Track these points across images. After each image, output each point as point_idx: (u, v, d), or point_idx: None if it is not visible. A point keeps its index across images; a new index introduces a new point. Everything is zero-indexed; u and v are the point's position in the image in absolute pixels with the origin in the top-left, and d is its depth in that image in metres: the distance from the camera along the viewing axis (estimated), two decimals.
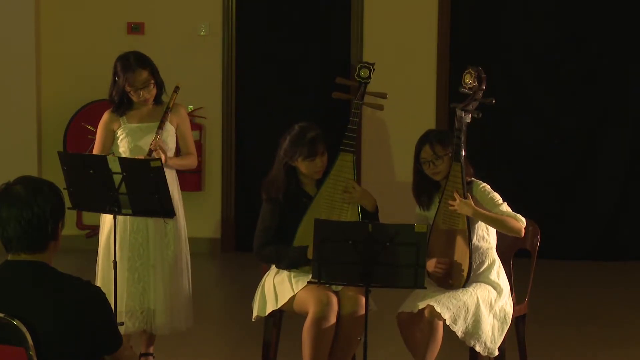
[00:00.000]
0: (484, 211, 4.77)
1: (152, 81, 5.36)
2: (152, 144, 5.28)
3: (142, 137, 5.37)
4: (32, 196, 3.20)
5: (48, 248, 3.26)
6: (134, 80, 5.32)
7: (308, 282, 4.66)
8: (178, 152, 5.55)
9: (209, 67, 8.82)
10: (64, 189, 4.66)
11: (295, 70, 8.86)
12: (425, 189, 4.95)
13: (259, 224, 5.03)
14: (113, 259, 5.14)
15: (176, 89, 5.42)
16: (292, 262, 4.92)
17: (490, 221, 4.77)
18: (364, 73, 5.06)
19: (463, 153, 4.78)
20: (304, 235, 4.87)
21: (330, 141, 5.04)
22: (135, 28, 8.82)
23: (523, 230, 4.79)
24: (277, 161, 5.03)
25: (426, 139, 4.90)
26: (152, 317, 5.39)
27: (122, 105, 5.40)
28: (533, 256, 5.18)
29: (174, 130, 5.46)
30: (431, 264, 4.76)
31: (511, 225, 4.75)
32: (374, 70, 5.05)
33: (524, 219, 4.80)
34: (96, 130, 5.52)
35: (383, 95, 5.10)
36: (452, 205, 4.76)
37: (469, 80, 4.85)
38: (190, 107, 8.67)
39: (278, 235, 4.97)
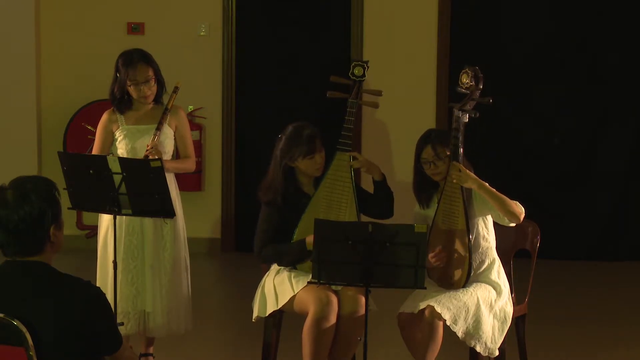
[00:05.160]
0: (488, 185, 4.75)
1: (154, 77, 5.35)
2: (148, 146, 5.27)
3: (139, 139, 5.36)
4: (18, 202, 3.20)
5: (44, 250, 3.25)
6: (135, 75, 5.31)
7: (308, 282, 4.66)
8: (177, 155, 5.55)
9: (209, 67, 8.82)
10: (64, 189, 4.66)
11: (296, 70, 8.86)
12: (426, 188, 4.96)
13: (258, 226, 5.03)
14: (113, 259, 5.13)
15: (175, 89, 5.40)
16: (294, 259, 4.92)
17: (494, 198, 4.72)
18: (358, 71, 5.04)
19: (461, 152, 4.77)
20: (303, 235, 4.87)
21: (331, 140, 5.03)
22: (135, 28, 8.82)
23: (522, 217, 4.77)
24: (274, 163, 5.01)
25: (428, 139, 4.90)
26: (146, 320, 5.38)
27: (122, 102, 5.39)
28: (533, 256, 5.18)
29: (172, 133, 5.44)
30: (427, 261, 4.75)
31: (512, 207, 4.72)
32: (368, 68, 5.03)
33: (523, 208, 4.78)
34: (96, 130, 5.52)
35: (378, 93, 5.09)
36: (457, 176, 4.73)
37: (466, 79, 4.85)
38: (191, 107, 8.68)
39: (278, 237, 4.97)
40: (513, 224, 4.81)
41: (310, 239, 4.69)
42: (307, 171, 5.00)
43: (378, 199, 5.03)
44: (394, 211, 5.07)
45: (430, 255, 4.77)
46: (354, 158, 4.97)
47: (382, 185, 5.02)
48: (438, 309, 4.67)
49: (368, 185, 5.12)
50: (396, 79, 8.52)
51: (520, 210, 4.76)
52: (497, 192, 4.74)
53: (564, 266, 8.46)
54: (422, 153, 4.89)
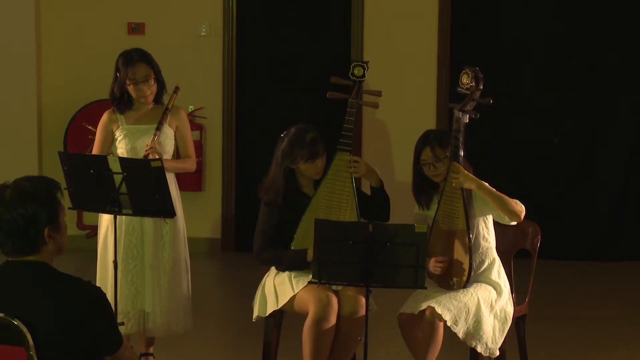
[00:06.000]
0: (487, 185, 4.75)
1: (153, 76, 5.35)
2: (148, 145, 5.27)
3: (139, 139, 5.36)
4: (14, 202, 3.20)
5: (39, 251, 3.25)
6: (134, 74, 5.31)
7: (308, 282, 4.66)
8: (177, 155, 5.55)
9: (210, 67, 8.82)
10: (64, 188, 4.64)
11: (296, 70, 8.86)
12: (425, 189, 4.95)
13: (258, 227, 5.02)
14: (113, 259, 5.13)
15: (176, 89, 5.40)
16: (291, 265, 4.91)
17: (494, 197, 4.71)
18: (358, 71, 5.04)
19: (461, 153, 4.77)
20: (303, 236, 4.87)
21: (331, 141, 5.03)
22: (136, 28, 8.82)
23: (522, 215, 4.76)
24: (275, 164, 5.00)
25: (426, 140, 4.88)
26: (145, 320, 5.38)
27: (122, 102, 5.39)
28: (533, 256, 5.17)
29: (173, 133, 5.44)
30: (429, 264, 4.75)
31: (512, 206, 4.71)
32: (367, 68, 5.03)
33: (523, 206, 4.78)
34: (96, 130, 5.52)
35: (378, 93, 5.08)
36: (455, 178, 4.73)
37: (466, 80, 4.84)
38: (191, 107, 8.68)
39: (278, 237, 4.97)
40: (514, 223, 4.81)
41: (312, 251, 4.69)
42: (307, 174, 5.00)
43: (375, 205, 5.02)
44: (389, 216, 5.05)
45: (434, 259, 4.76)
46: (354, 161, 4.96)
47: (379, 191, 5.01)
48: (439, 310, 4.67)
49: (366, 187, 5.12)
50: (396, 79, 8.52)
51: (520, 208, 4.75)
52: (496, 192, 4.74)
53: (564, 266, 8.46)
54: (421, 155, 4.89)
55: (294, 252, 4.89)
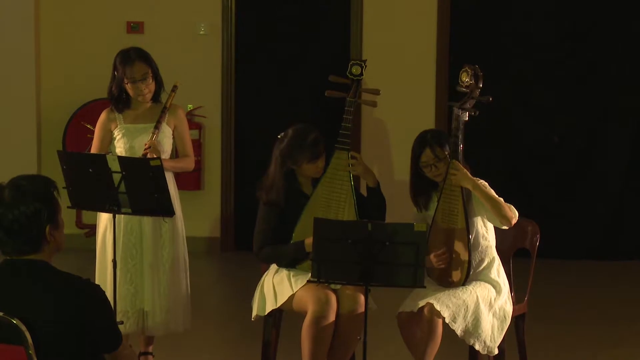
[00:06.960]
0: (483, 186, 4.74)
1: (151, 75, 5.34)
2: (146, 144, 5.26)
3: (137, 138, 5.35)
4: (14, 201, 3.20)
5: (41, 250, 3.25)
6: (132, 72, 5.30)
7: (307, 281, 4.65)
8: (176, 154, 5.54)
9: (209, 66, 8.82)
10: (63, 188, 4.65)
11: (295, 69, 8.86)
12: (424, 190, 4.94)
13: (257, 226, 5.02)
14: (112, 258, 5.13)
15: (174, 88, 5.40)
16: (292, 259, 4.91)
17: (487, 198, 4.72)
18: (356, 70, 5.03)
19: (461, 151, 4.77)
20: (302, 234, 4.86)
21: (330, 140, 5.02)
22: (135, 27, 8.82)
23: (513, 221, 4.75)
24: (275, 164, 4.98)
25: (425, 142, 4.87)
26: (144, 319, 5.37)
27: (120, 101, 5.38)
28: (533, 256, 5.17)
29: (171, 132, 5.43)
30: (429, 260, 4.74)
31: (505, 210, 4.71)
32: (366, 67, 5.02)
33: (517, 213, 4.78)
34: (95, 129, 5.51)
35: (376, 92, 5.08)
36: (454, 175, 4.73)
37: (465, 78, 4.84)
38: (190, 106, 8.68)
39: (277, 236, 4.96)
40: (505, 227, 4.81)
41: (309, 241, 4.69)
42: (307, 173, 5.00)
43: (371, 206, 5.00)
44: (385, 218, 5.04)
45: (433, 254, 4.76)
46: (353, 157, 4.96)
47: (375, 192, 5.01)
48: (437, 307, 4.66)
49: (363, 189, 5.11)
50: (396, 78, 8.52)
51: (512, 214, 4.75)
52: (491, 194, 4.73)
53: (564, 266, 8.46)
54: (422, 156, 4.87)
55: (293, 244, 4.89)
